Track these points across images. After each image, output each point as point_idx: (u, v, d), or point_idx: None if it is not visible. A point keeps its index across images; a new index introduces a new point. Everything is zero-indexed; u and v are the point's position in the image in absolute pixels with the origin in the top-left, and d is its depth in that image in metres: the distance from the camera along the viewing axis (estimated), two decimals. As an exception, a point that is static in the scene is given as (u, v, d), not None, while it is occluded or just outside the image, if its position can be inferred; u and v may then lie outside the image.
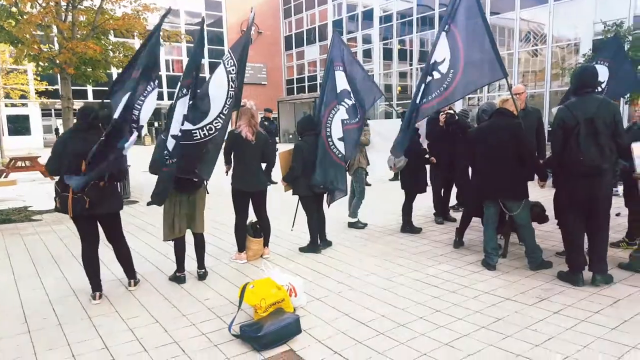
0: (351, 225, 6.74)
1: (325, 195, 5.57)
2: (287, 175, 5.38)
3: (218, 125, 4.24)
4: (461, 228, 5.51)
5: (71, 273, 4.78)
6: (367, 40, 34.87)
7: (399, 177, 6.49)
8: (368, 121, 6.85)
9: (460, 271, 4.66)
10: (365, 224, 6.78)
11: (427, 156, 6.41)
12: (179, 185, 4.30)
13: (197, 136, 4.16)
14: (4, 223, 7.40)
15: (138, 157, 10.12)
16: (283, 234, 6.15)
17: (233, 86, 4.37)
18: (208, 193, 4.59)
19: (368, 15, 34.68)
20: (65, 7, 9.68)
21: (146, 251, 5.66)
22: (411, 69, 31.74)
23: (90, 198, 3.76)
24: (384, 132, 6.86)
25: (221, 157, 4.74)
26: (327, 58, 5.75)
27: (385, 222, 7.04)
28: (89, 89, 35.33)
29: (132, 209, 8.54)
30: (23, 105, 32.12)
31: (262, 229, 5.22)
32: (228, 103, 4.32)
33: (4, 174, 12.29)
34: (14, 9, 8.93)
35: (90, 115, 3.92)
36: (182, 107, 4.05)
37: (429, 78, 4.87)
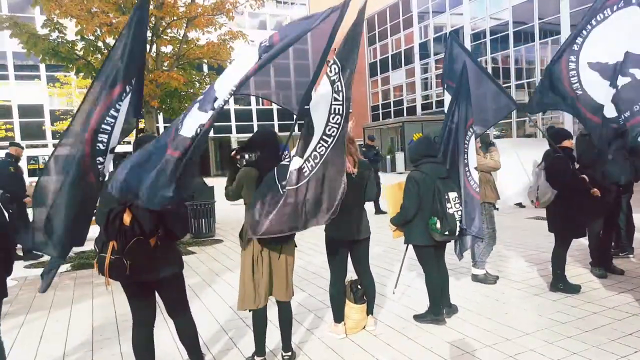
0: (477, 279, 5.16)
1: (456, 244, 4.11)
2: (396, 217, 4.04)
3: (322, 151, 3.08)
4: None
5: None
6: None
7: (546, 216, 4.83)
8: (493, 140, 5.30)
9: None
10: (497, 277, 5.16)
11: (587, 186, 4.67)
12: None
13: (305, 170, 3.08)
14: (82, 268, 6.80)
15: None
16: (381, 297, 4.73)
17: (338, 99, 3.12)
18: (296, 246, 3.37)
19: (455, 34, 32.84)
20: (149, 37, 9.41)
21: (223, 311, 4.57)
22: (509, 85, 29.10)
23: (133, 261, 2.71)
24: (521, 154, 5.37)
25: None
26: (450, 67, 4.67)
27: (522, 274, 5.35)
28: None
29: (214, 249, 7.68)
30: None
31: (366, 291, 3.89)
32: (333, 121, 3.10)
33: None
34: (99, 44, 8.77)
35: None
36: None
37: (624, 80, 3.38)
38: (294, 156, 3.12)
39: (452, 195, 3.84)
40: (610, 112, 3.47)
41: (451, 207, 3.80)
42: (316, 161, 3.06)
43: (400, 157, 27.55)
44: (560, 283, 4.65)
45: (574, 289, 4.59)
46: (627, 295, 4.39)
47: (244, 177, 3.32)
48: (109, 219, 2.75)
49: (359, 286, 3.90)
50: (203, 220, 8.67)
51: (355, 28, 3.09)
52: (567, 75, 4.08)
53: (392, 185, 4.32)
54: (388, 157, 28.10)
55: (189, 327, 3.14)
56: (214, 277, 5.87)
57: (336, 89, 3.08)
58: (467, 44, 31.12)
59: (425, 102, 36.27)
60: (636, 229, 5.83)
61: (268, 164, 3.24)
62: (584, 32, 3.83)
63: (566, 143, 4.68)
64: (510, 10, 28.50)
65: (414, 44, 37.29)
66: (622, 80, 3.39)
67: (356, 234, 3.75)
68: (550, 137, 4.71)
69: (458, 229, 3.84)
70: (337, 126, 3.10)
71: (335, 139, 3.09)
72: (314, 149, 3.07)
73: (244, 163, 3.52)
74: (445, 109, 4.84)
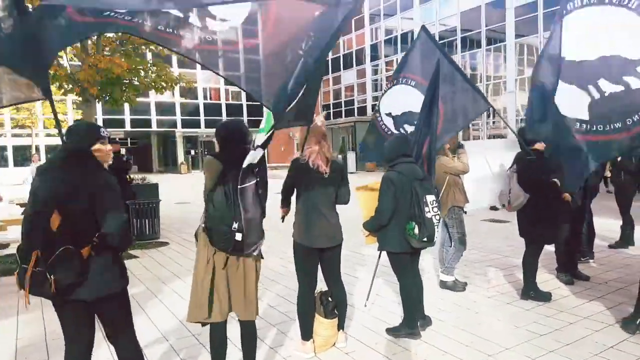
0: (446, 285, 4.92)
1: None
2: (370, 221, 3.68)
3: None
4: None
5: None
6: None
7: (517, 220, 4.66)
8: (462, 142, 5.09)
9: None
10: (465, 284, 4.95)
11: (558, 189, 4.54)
12: (218, 238, 2.71)
13: None
14: (7, 274, 5.67)
15: (172, 188, 8.67)
16: (349, 307, 4.33)
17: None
18: (263, 258, 2.91)
19: (404, 38, 33.41)
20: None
21: (172, 327, 4.01)
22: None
23: (60, 276, 2.16)
24: (488, 157, 5.23)
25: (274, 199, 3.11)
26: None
27: (490, 281, 5.18)
28: (127, 117, 35.16)
29: (160, 253, 7.00)
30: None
31: (337, 304, 3.50)
32: None
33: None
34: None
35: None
36: None
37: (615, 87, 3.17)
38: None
39: (430, 198, 3.54)
40: (576, 113, 3.28)
41: (429, 211, 3.49)
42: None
43: (351, 156, 27.54)
44: (531, 291, 4.49)
45: (545, 297, 4.45)
46: (598, 304, 4.29)
47: (205, 165, 2.84)
48: (33, 223, 2.19)
49: (329, 298, 3.49)
50: (146, 220, 7.90)
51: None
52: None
53: (364, 187, 3.97)
54: (340, 156, 27.99)
55: (133, 354, 2.60)
56: (160, 286, 5.26)
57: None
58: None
59: (376, 102, 36.59)
60: (596, 234, 5.84)
61: (231, 158, 2.77)
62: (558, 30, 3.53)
63: (538, 146, 4.52)
64: (458, 16, 29.28)
65: (365, 45, 37.56)
66: (610, 88, 3.17)
67: (328, 240, 3.35)
68: (523, 139, 4.54)
69: (437, 234, 3.54)
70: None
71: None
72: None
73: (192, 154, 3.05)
74: (389, 102, 4.68)
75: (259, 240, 2.71)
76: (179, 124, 37.81)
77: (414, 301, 3.74)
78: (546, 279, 5.06)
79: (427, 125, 3.97)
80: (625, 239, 6.34)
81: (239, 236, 2.69)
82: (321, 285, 3.50)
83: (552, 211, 4.40)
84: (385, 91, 4.95)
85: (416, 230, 3.45)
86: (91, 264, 2.27)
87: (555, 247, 5.13)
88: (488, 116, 27.17)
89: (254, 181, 2.59)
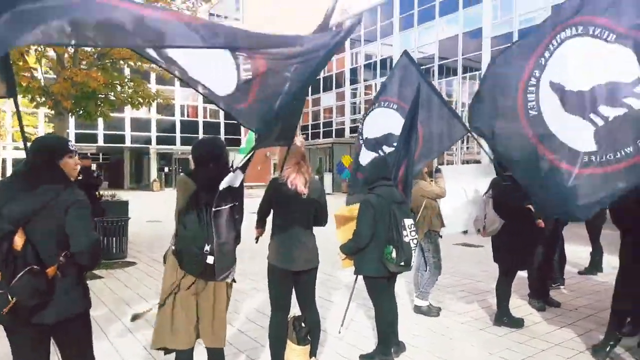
0: (420, 310, 4.88)
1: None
2: (348, 244, 3.63)
3: None
4: None
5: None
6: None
7: (492, 246, 4.68)
8: (439, 166, 5.15)
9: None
10: (439, 309, 4.92)
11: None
12: (188, 260, 2.62)
13: None
14: None
15: (143, 205, 8.46)
16: (325, 334, 4.21)
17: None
18: (235, 282, 2.81)
19: (383, 64, 34.12)
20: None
21: (136, 353, 3.82)
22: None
23: (22, 298, 2.03)
24: (463, 182, 5.28)
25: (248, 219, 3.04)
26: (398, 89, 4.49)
27: (464, 306, 5.17)
28: (100, 132, 34.43)
29: (126, 274, 6.75)
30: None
31: (310, 330, 3.40)
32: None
33: None
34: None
35: None
36: None
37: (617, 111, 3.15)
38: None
39: (408, 222, 3.52)
40: (584, 145, 3.22)
41: (407, 235, 3.47)
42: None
43: (328, 177, 27.60)
44: (504, 317, 4.49)
45: (518, 323, 4.45)
46: (569, 330, 4.32)
47: (178, 183, 2.77)
48: None
49: (302, 324, 3.39)
50: (114, 239, 7.60)
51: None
52: (524, 87, 3.60)
53: (341, 209, 3.93)
54: (316, 177, 28.02)
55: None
56: (125, 309, 5.04)
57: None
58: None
59: (354, 125, 36.96)
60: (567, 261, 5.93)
61: (206, 177, 2.70)
62: (551, 46, 3.43)
63: (513, 172, 4.59)
64: (436, 44, 30.10)
65: (345, 68, 38.13)
66: (612, 112, 3.17)
67: (304, 262, 3.27)
68: (499, 165, 4.60)
69: (414, 259, 3.51)
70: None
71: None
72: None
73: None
74: (371, 125, 4.71)
75: (231, 266, 2.62)
76: (153, 141, 37.26)
77: (389, 327, 3.67)
78: (519, 304, 5.08)
79: (406, 148, 3.98)
80: (595, 266, 6.46)
81: (210, 259, 2.60)
82: (294, 310, 3.41)
83: (526, 237, 4.45)
84: (366, 115, 4.95)
85: (394, 255, 3.42)
86: (56, 285, 2.15)
87: (528, 273, 5.17)
88: (462, 141, 27.71)
89: (230, 205, 2.50)
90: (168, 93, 12.99)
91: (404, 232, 3.44)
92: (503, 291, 4.54)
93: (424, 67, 30.63)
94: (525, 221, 4.43)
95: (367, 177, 3.68)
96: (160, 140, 37.14)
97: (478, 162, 25.81)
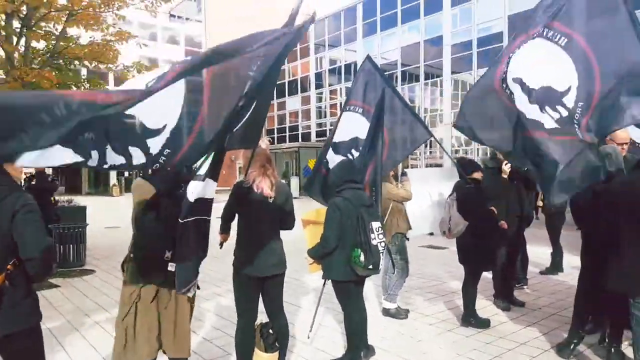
0: (388, 313, 4.87)
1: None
2: (315, 248, 3.56)
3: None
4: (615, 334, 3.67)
5: None
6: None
7: (457, 248, 4.73)
8: (405, 170, 5.17)
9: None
10: (407, 311, 4.93)
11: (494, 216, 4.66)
12: (148, 268, 2.49)
13: None
14: None
15: (102, 211, 8.13)
16: (293, 340, 4.10)
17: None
18: (198, 288, 2.69)
19: (348, 69, 34.43)
20: (18, 28, 7.91)
21: (90, 366, 3.61)
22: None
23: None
24: (428, 185, 5.34)
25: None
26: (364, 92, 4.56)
27: (431, 307, 5.20)
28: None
29: (84, 282, 6.43)
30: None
31: (278, 337, 3.30)
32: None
33: None
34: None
35: None
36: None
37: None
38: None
39: (376, 225, 3.48)
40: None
41: (375, 238, 3.43)
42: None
43: (295, 181, 27.47)
44: (471, 317, 4.54)
45: (485, 324, 4.50)
46: (533, 329, 4.40)
47: (134, 188, 2.62)
48: None
49: (270, 330, 3.29)
50: (70, 246, 7.25)
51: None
52: (500, 86, 3.59)
53: (308, 212, 3.86)
54: (283, 181, 27.85)
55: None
56: (83, 319, 4.77)
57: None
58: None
59: (319, 129, 37.08)
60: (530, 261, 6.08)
61: (165, 181, 2.57)
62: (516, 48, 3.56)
63: (476, 175, 4.67)
64: (399, 50, 30.64)
65: (309, 73, 38.22)
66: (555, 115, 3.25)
67: (272, 268, 3.18)
68: (462, 168, 4.67)
69: (382, 262, 3.48)
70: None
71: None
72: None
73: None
74: (340, 130, 4.67)
75: (193, 279, 2.49)
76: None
77: (358, 331, 3.62)
78: (484, 305, 5.15)
79: (371, 152, 3.97)
80: (555, 266, 6.65)
81: (171, 266, 2.48)
82: (261, 317, 3.30)
83: (490, 239, 4.52)
84: (337, 122, 4.89)
85: (362, 258, 3.37)
86: (3, 296, 1.97)
87: (493, 274, 5.26)
88: (426, 146, 28.27)
89: (199, 218, 2.37)
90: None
91: (372, 235, 3.40)
92: (469, 292, 4.59)
93: (387, 72, 31.07)
94: (489, 223, 4.50)
95: (334, 180, 3.63)
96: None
97: (440, 166, 26.41)
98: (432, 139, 4.80)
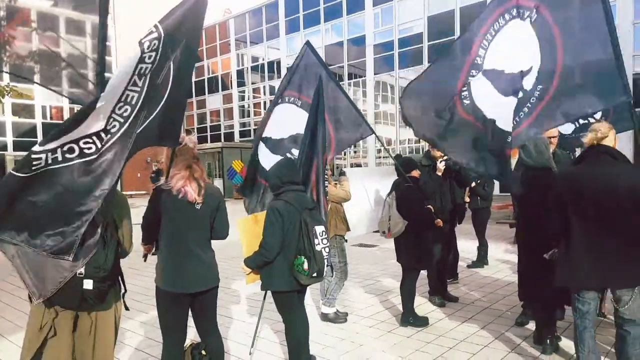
0: (327, 318, 4.68)
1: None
2: (254, 257, 3.25)
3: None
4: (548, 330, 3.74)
5: None
6: (273, 91, 33.89)
7: (395, 247, 4.65)
8: (344, 169, 5.02)
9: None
10: (346, 314, 4.78)
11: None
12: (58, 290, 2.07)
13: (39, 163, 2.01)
14: None
15: None
16: (229, 357, 3.82)
17: (137, 85, 2.18)
18: (127, 309, 2.28)
19: (270, 67, 34.03)
20: None
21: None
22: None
23: None
24: (366, 183, 5.20)
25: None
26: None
27: (369, 308, 5.10)
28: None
29: (-26, 305, 5.51)
30: None
31: (212, 358, 2.95)
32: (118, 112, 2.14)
33: None
34: None
35: None
36: None
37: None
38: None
39: (319, 229, 3.25)
40: (504, 124, 3.32)
41: (319, 244, 3.20)
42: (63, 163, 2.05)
43: (218, 183, 26.55)
44: (410, 317, 4.49)
45: (423, 322, 4.48)
46: (470, 325, 4.44)
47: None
48: None
49: (202, 352, 2.94)
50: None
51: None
52: (460, 88, 3.71)
53: (245, 218, 3.55)
54: (215, 184, 26.77)
55: None
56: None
57: (140, 71, 2.15)
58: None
59: (243, 129, 36.24)
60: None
61: None
62: (485, 42, 3.51)
63: (414, 173, 4.64)
64: (323, 49, 30.79)
65: (230, 70, 37.17)
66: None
67: (201, 283, 2.82)
68: (401, 166, 4.61)
69: (326, 268, 3.26)
70: (120, 120, 2.14)
71: (112, 141, 2.13)
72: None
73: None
74: (276, 125, 4.42)
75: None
76: (10, 147, 32.55)
77: (301, 342, 3.37)
78: (420, 302, 5.14)
79: (311, 147, 3.73)
80: (481, 260, 6.90)
81: (88, 283, 2.09)
82: (192, 336, 2.94)
83: (428, 236, 4.51)
84: (270, 112, 4.55)
85: (305, 266, 3.12)
86: None
87: (428, 271, 5.28)
88: (349, 145, 28.72)
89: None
90: (26, 91, 11.24)
91: (316, 241, 3.16)
92: (408, 291, 4.54)
93: (311, 71, 31.14)
94: (427, 221, 4.48)
95: (273, 182, 3.34)
96: (18, 146, 32.47)
97: (366, 165, 26.98)
98: (374, 135, 4.69)
